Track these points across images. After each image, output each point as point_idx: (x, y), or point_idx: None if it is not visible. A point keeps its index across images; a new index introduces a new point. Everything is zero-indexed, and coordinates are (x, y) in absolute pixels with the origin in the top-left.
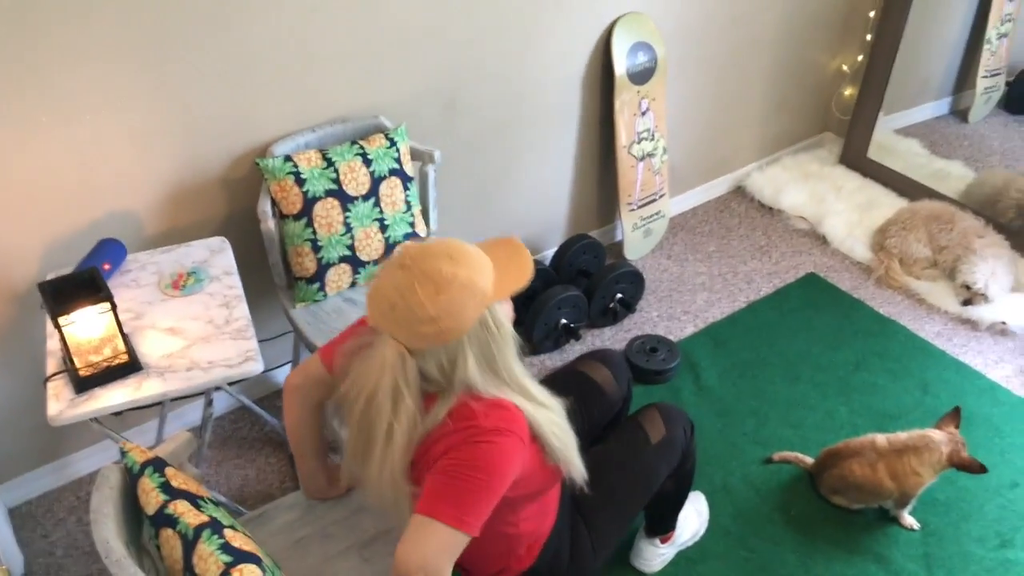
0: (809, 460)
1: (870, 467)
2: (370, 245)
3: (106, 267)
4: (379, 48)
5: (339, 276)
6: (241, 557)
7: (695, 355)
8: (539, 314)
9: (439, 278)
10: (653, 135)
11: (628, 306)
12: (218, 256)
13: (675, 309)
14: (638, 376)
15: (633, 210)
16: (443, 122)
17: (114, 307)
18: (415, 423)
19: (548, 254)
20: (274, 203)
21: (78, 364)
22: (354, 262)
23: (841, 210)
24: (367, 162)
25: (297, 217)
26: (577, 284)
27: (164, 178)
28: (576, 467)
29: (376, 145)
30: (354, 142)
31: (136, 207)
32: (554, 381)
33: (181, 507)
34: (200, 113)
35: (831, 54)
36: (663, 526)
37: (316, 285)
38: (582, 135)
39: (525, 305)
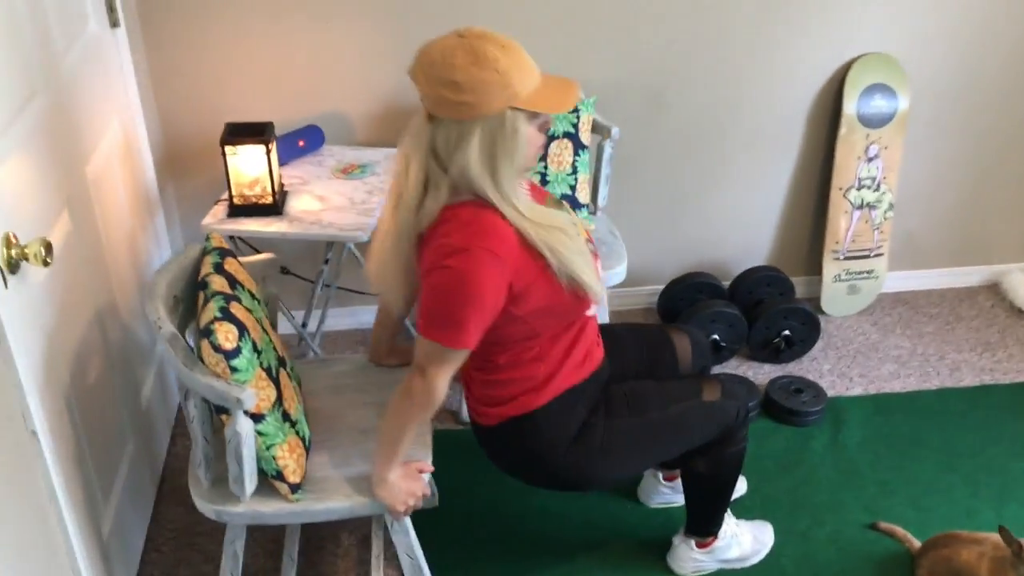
0: (917, 543)
1: (978, 556)
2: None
3: (301, 144)
4: (595, 22)
5: None
6: (229, 318)
7: (847, 413)
8: (690, 321)
9: (481, 54)
10: (878, 185)
11: (791, 344)
12: (390, 161)
13: (851, 370)
14: (772, 412)
15: (838, 259)
16: (647, 113)
17: (270, 153)
18: (418, 198)
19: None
20: None
21: (234, 192)
22: None
23: None
24: None
25: None
26: (748, 315)
27: (378, 95)
28: (587, 284)
29: None
30: None
31: (351, 113)
32: (636, 329)
33: (218, 281)
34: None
35: None
36: (700, 526)
37: None
38: (800, 168)
39: (682, 311)
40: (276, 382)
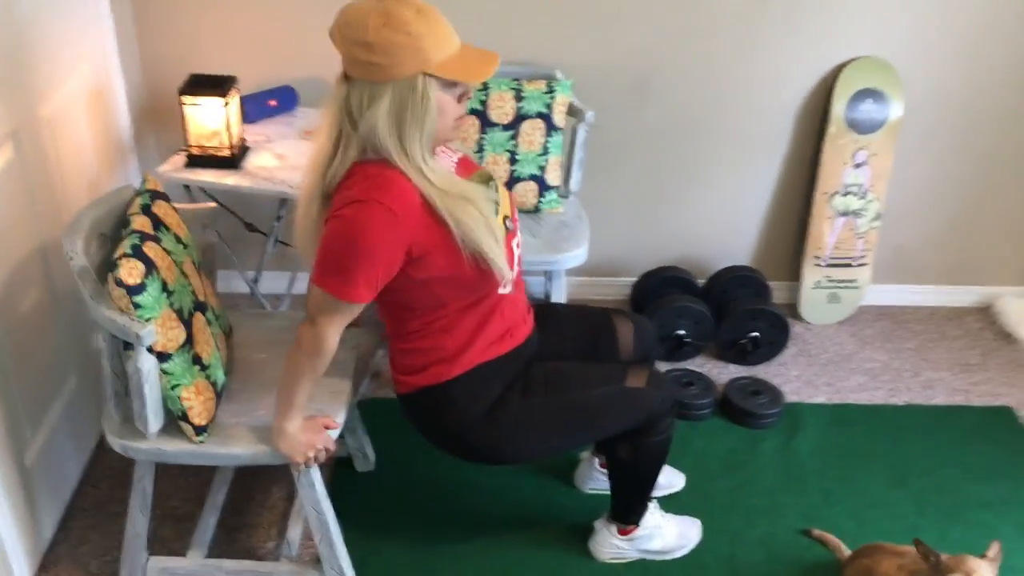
0: (848, 552)
1: (897, 568)
2: (495, 171)
3: (272, 103)
4: (580, 4)
5: None
6: (139, 255)
7: (805, 420)
8: (656, 313)
9: (395, 17)
10: (865, 193)
11: (758, 346)
12: None
13: (818, 378)
14: (728, 411)
15: (819, 266)
16: (629, 101)
17: (228, 106)
18: (329, 157)
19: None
20: None
21: (192, 143)
22: None
23: None
24: (519, 98)
25: None
26: (719, 313)
27: None
28: (491, 260)
29: (533, 87)
30: (516, 79)
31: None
32: (580, 311)
33: (139, 220)
34: None
35: None
36: (622, 513)
37: None
38: (785, 170)
39: (652, 302)
40: (187, 324)
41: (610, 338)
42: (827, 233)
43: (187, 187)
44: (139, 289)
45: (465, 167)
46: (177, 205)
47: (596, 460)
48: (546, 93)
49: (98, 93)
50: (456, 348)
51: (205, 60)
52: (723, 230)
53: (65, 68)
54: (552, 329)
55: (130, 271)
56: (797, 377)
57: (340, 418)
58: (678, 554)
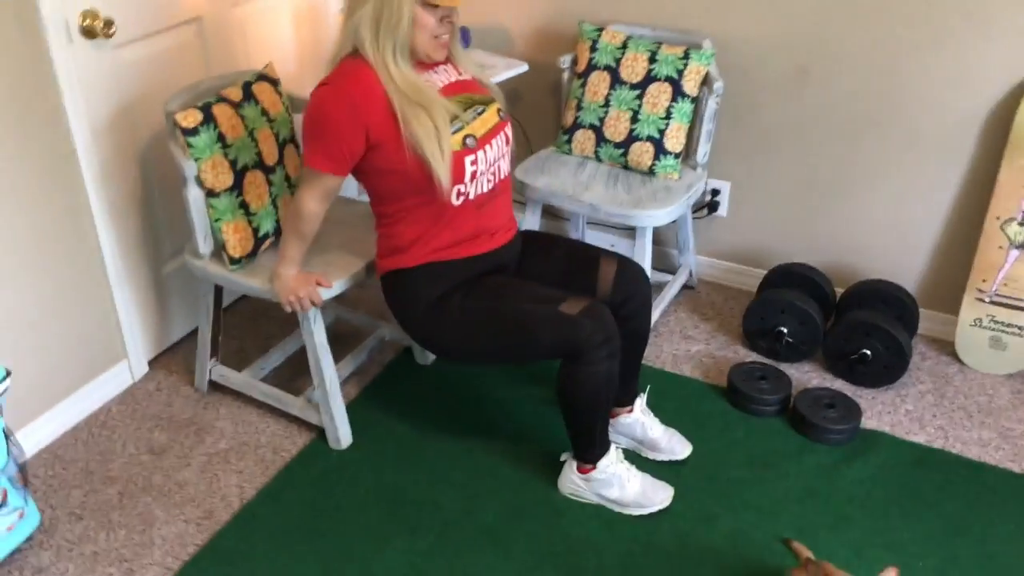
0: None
1: None
2: (616, 127)
3: None
4: None
5: (584, 139)
6: (203, 109)
7: (876, 450)
8: (763, 306)
9: None
10: None
11: (868, 366)
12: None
13: (934, 419)
14: (791, 415)
15: (982, 301)
16: (789, 83)
17: None
18: (333, 49)
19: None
20: (575, 61)
21: None
22: (598, 133)
23: None
24: (652, 60)
25: (580, 76)
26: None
27: (534, 13)
28: (431, 164)
29: (669, 51)
30: (658, 43)
31: (510, 25)
32: (571, 244)
33: (232, 92)
34: None
35: None
36: (576, 449)
37: (565, 138)
38: (956, 185)
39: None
40: (239, 174)
41: (590, 273)
42: (996, 265)
43: None
44: (192, 132)
45: (461, 88)
46: None
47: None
48: (680, 59)
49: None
50: (407, 241)
51: None
52: (876, 239)
53: None
54: (539, 255)
55: (186, 117)
56: (908, 412)
57: (335, 281)
58: (635, 511)
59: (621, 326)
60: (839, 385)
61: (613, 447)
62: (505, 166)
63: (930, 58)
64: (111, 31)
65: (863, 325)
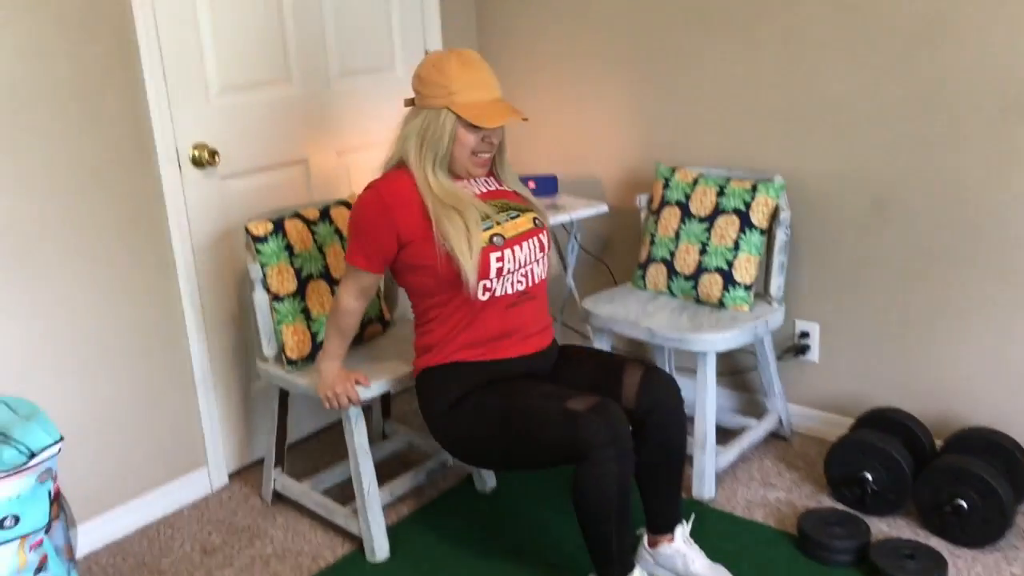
0: None
1: None
2: (685, 260)
3: (531, 185)
4: (814, 112)
5: (657, 273)
6: (275, 222)
7: None
8: (843, 449)
9: (443, 63)
10: None
11: (963, 517)
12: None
13: None
14: (867, 567)
15: None
16: (864, 218)
17: None
18: (386, 160)
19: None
20: (651, 199)
21: None
22: (670, 267)
23: None
24: (721, 193)
25: (654, 213)
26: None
27: (623, 163)
28: (459, 260)
29: (739, 185)
30: (728, 178)
31: (601, 175)
32: (604, 356)
33: (308, 211)
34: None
35: None
36: (594, 565)
37: (640, 273)
38: None
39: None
40: (303, 282)
41: (615, 381)
42: None
43: None
44: (261, 240)
45: (498, 196)
46: None
47: (645, 538)
48: (748, 191)
49: None
50: (437, 339)
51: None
52: (978, 383)
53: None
54: (571, 365)
55: (257, 226)
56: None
57: (375, 382)
58: None
59: (652, 438)
60: (934, 543)
61: (639, 570)
62: (539, 271)
63: (1003, 182)
64: (216, 160)
65: (955, 471)
